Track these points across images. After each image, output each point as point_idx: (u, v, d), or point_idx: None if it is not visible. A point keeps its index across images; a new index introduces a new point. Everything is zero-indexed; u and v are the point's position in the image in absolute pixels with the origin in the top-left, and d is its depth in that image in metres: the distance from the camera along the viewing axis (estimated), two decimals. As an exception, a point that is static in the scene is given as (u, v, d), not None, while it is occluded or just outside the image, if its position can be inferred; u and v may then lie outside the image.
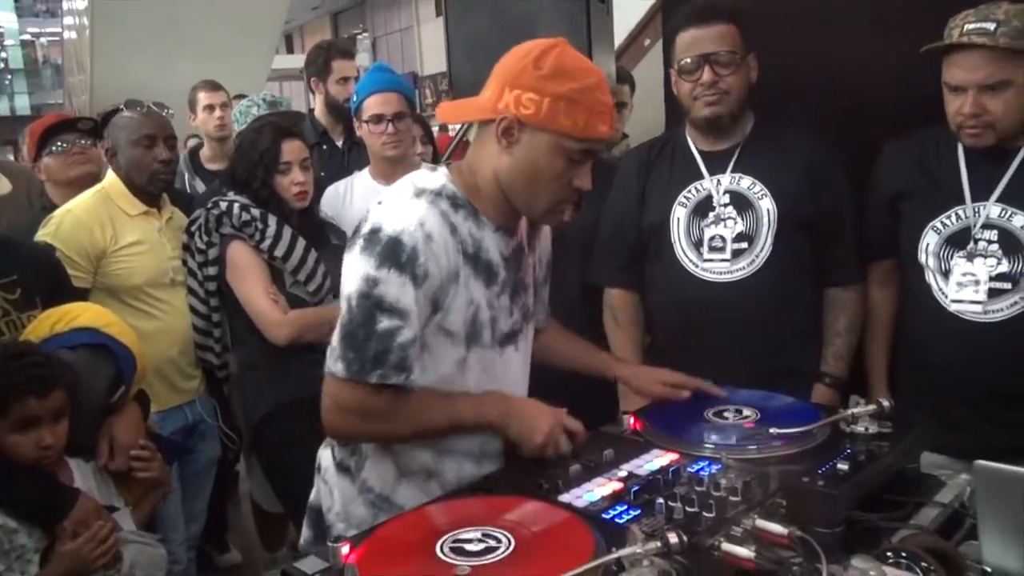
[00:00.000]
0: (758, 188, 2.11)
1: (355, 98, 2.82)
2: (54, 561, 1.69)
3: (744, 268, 2.10)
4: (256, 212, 2.48)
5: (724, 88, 2.07)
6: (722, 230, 2.12)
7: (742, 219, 2.11)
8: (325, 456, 1.66)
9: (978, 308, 1.87)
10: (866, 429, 1.52)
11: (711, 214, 2.13)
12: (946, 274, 1.92)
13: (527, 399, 1.62)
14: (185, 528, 2.69)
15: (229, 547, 3.62)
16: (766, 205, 2.10)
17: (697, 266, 2.13)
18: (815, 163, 2.12)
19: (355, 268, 1.44)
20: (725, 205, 2.13)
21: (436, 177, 1.55)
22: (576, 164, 1.48)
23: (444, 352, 1.52)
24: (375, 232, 1.44)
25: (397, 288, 1.41)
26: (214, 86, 4.02)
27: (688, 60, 2.08)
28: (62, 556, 1.69)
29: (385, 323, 1.41)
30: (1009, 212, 1.87)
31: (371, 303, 1.42)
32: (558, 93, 1.41)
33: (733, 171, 2.14)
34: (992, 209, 1.88)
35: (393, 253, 1.41)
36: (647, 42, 5.19)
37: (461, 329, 1.51)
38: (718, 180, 2.15)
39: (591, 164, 1.50)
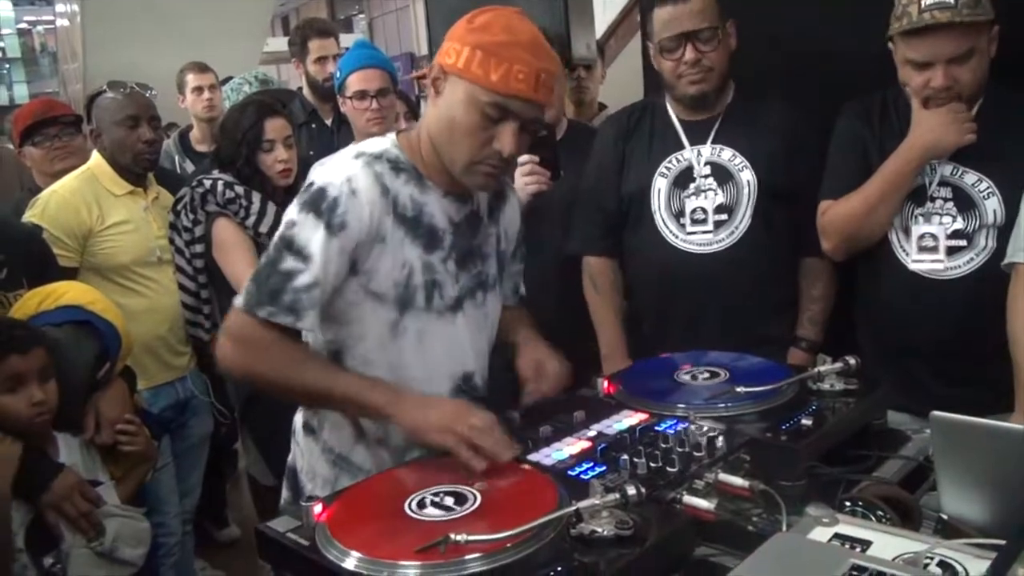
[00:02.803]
0: (739, 160, 2.11)
1: (338, 75, 2.84)
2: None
3: (724, 240, 2.11)
4: (240, 189, 2.50)
5: (708, 65, 2.05)
6: (703, 202, 2.12)
7: (723, 191, 2.11)
8: (297, 419, 1.70)
9: (939, 266, 1.88)
10: (832, 386, 1.55)
11: (692, 185, 2.13)
12: (907, 231, 1.93)
13: (427, 395, 1.51)
14: (179, 502, 2.73)
15: (228, 522, 3.68)
16: (746, 177, 2.10)
17: (678, 237, 2.14)
18: (794, 133, 2.12)
19: (286, 212, 1.50)
20: (706, 176, 2.13)
21: (380, 142, 1.57)
22: (493, 123, 1.43)
23: (374, 316, 1.52)
24: (309, 185, 1.49)
25: (310, 231, 1.44)
26: (202, 68, 4.03)
27: (668, 38, 2.05)
28: None
29: (289, 263, 1.44)
30: (960, 170, 1.89)
31: (284, 243, 1.46)
32: (476, 43, 1.40)
33: (714, 142, 2.14)
34: (945, 167, 1.89)
35: (315, 200, 1.45)
36: (639, 18, 5.19)
37: (391, 291, 1.51)
38: (699, 151, 2.14)
39: (514, 127, 1.44)
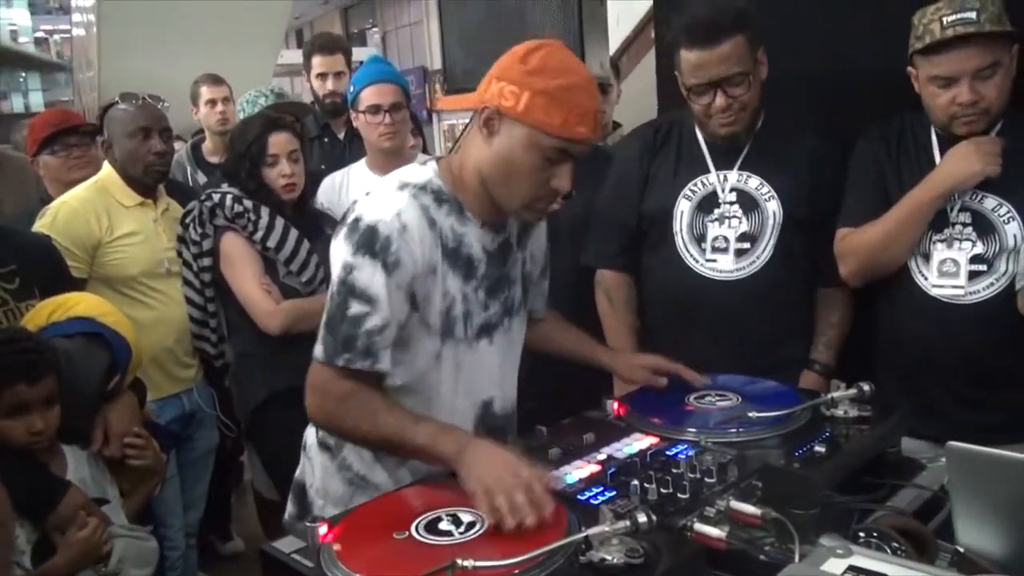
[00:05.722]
0: (766, 189, 2.08)
1: (351, 89, 2.85)
2: (63, 550, 1.69)
3: (745, 268, 2.08)
4: (248, 203, 2.49)
5: (740, 107, 2.01)
6: (726, 230, 2.09)
7: (747, 219, 2.08)
8: (310, 434, 1.69)
9: (960, 291, 1.87)
10: (846, 413, 1.54)
11: (716, 211, 2.10)
12: (926, 256, 1.91)
13: (495, 446, 1.43)
14: (183, 515, 2.72)
15: (232, 535, 3.66)
16: (772, 207, 2.07)
17: (698, 262, 2.11)
18: (823, 164, 2.08)
19: (337, 255, 1.50)
20: (731, 203, 2.09)
21: (423, 171, 1.57)
22: (553, 163, 1.46)
23: (422, 347, 1.54)
24: (356, 221, 1.48)
25: (369, 275, 1.45)
26: (216, 80, 4.04)
27: (696, 83, 2.00)
28: (71, 544, 1.70)
29: (355, 308, 1.45)
30: (980, 195, 1.87)
31: (346, 288, 1.46)
32: (538, 88, 1.42)
33: (741, 168, 2.10)
34: (964, 192, 1.87)
35: (368, 241, 1.45)
36: (654, 34, 5.19)
37: (436, 322, 1.53)
38: (724, 176, 2.11)
39: (571, 165, 1.48)
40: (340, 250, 1.49)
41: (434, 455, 1.43)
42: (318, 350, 1.49)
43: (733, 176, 2.11)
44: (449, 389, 1.58)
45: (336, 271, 1.49)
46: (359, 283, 1.45)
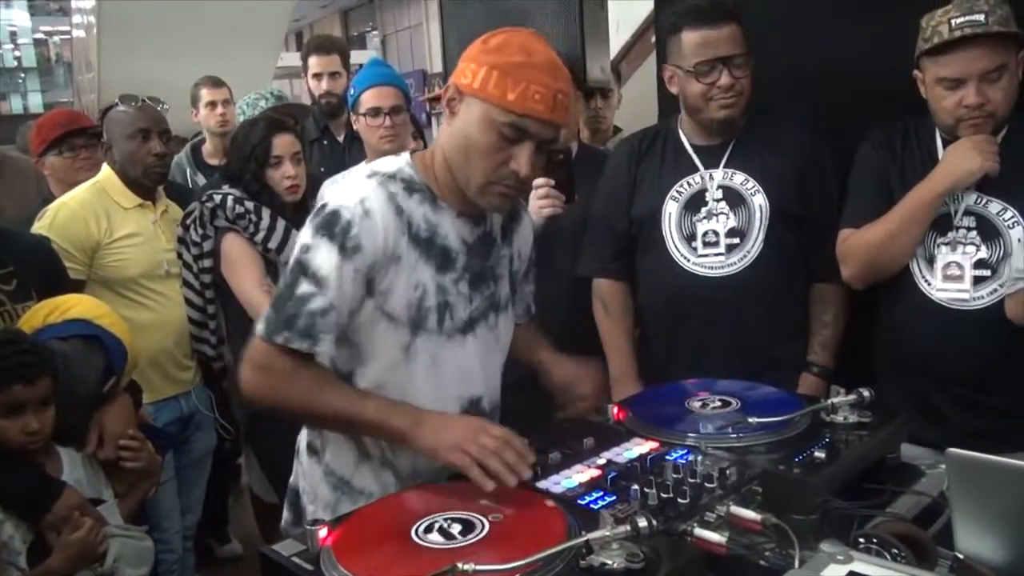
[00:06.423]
0: (751, 184, 2.10)
1: (352, 92, 2.85)
2: (59, 550, 1.70)
3: (736, 263, 2.10)
4: (250, 205, 2.50)
5: (739, 90, 2.05)
6: (715, 225, 2.11)
7: (734, 214, 2.10)
8: (301, 439, 1.68)
9: (964, 296, 1.87)
10: (846, 418, 1.53)
11: (703, 209, 2.12)
12: (930, 260, 1.92)
13: (447, 413, 1.49)
14: (181, 518, 2.72)
15: (230, 538, 3.66)
16: (758, 201, 2.09)
17: (689, 260, 2.13)
18: (808, 159, 2.11)
19: (300, 236, 1.49)
20: (718, 200, 2.12)
21: (395, 161, 1.56)
22: (510, 143, 1.42)
23: (388, 337, 1.51)
24: (323, 207, 1.48)
25: (324, 255, 1.43)
26: (216, 83, 4.04)
27: (702, 62, 2.03)
28: (67, 545, 1.70)
29: (304, 288, 1.44)
30: (984, 199, 1.88)
31: (299, 267, 1.45)
32: (492, 63, 1.40)
33: (726, 166, 2.13)
34: (969, 197, 1.89)
35: (329, 224, 1.44)
36: (654, 39, 5.22)
37: (403, 313, 1.50)
38: (711, 174, 2.14)
39: (531, 148, 1.43)
40: (304, 231, 1.48)
41: (387, 429, 1.44)
42: (259, 326, 1.47)
43: (719, 174, 2.13)
44: (426, 384, 1.54)
45: (295, 250, 1.48)
46: (312, 264, 1.44)
